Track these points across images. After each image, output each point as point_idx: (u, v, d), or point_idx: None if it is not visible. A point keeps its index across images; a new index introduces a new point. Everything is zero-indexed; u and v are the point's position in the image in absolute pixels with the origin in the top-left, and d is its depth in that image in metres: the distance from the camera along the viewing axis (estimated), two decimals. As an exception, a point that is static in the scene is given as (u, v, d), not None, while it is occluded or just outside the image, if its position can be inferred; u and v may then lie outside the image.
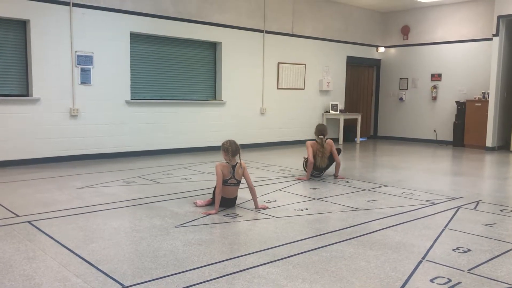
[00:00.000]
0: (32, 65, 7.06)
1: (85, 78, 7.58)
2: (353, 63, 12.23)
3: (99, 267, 2.95)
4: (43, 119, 7.22)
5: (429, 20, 11.72)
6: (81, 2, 7.44)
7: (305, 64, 10.88)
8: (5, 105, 6.87)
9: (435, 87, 11.67)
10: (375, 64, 12.79)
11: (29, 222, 3.96)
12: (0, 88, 6.96)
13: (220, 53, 9.35)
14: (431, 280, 2.82)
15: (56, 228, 3.81)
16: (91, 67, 7.62)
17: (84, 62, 7.53)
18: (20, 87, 7.15)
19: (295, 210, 4.55)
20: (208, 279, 2.79)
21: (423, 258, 3.22)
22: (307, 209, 4.60)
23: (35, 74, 7.09)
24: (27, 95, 7.15)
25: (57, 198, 4.89)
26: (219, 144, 4.67)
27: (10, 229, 3.76)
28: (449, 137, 11.36)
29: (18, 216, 4.16)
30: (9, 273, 2.83)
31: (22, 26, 7.07)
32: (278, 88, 10.45)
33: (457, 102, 11.05)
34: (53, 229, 3.77)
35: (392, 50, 12.59)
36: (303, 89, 10.97)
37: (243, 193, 5.29)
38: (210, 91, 9.49)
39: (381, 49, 12.66)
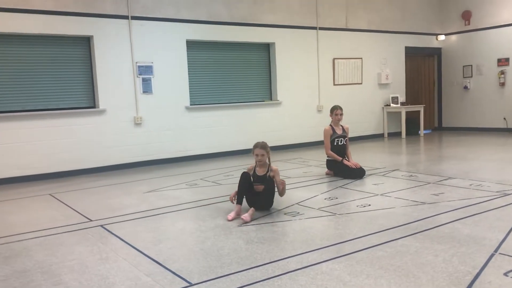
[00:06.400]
0: (97, 78, 7.46)
1: (147, 87, 7.90)
2: (412, 54, 11.82)
3: (167, 266, 3.07)
4: (109, 128, 7.60)
5: (492, 2, 11.10)
6: (139, 15, 7.77)
7: (361, 58, 10.68)
8: (74, 117, 7.31)
9: (502, 72, 11.03)
10: (436, 53, 12.28)
11: (101, 226, 4.20)
12: (69, 101, 7.42)
13: (274, 53, 9.39)
14: (505, 274, 2.68)
15: (126, 230, 4.00)
16: (151, 76, 7.93)
17: (144, 72, 7.85)
18: (87, 100, 7.57)
19: (357, 206, 4.49)
20: (272, 276, 2.82)
21: (495, 251, 3.07)
22: (369, 205, 4.51)
23: (100, 87, 7.49)
24: (94, 106, 7.57)
25: (126, 203, 5.13)
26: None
27: (84, 232, 4.00)
28: (521, 124, 10.70)
29: (91, 220, 4.41)
30: (85, 273, 3.02)
31: (86, 42, 7.49)
32: (334, 84, 10.32)
33: (528, 86, 10.40)
34: (123, 231, 3.97)
35: (453, 37, 12.04)
36: (361, 83, 10.76)
37: (302, 192, 5.29)
38: (266, 92, 9.55)
39: (441, 37, 12.13)
